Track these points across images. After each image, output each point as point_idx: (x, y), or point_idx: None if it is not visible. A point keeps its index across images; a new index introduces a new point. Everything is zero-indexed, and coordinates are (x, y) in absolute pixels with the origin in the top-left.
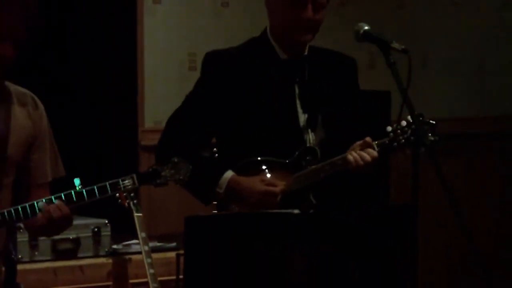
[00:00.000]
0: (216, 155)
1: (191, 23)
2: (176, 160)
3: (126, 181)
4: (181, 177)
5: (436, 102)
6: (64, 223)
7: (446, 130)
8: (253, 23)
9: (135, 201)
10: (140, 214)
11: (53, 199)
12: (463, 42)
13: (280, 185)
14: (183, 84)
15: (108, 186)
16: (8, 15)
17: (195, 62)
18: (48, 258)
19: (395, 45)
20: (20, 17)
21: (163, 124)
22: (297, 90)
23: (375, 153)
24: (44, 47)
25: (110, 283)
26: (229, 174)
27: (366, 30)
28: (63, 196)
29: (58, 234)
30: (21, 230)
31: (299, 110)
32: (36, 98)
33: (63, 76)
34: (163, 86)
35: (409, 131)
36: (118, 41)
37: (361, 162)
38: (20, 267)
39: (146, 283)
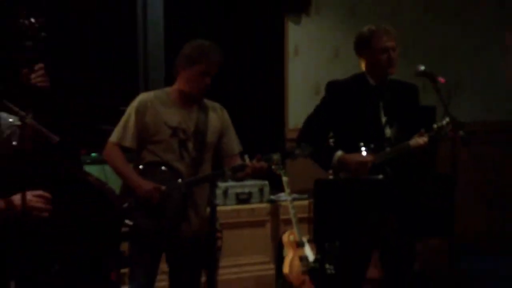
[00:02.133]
0: (332, 143)
1: (323, 57)
2: (303, 144)
3: (275, 155)
4: (305, 154)
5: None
6: (263, 171)
7: None
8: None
9: (283, 171)
10: (287, 178)
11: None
12: None
13: (369, 159)
14: (316, 97)
15: (264, 158)
16: (218, 64)
17: (324, 84)
18: (234, 203)
19: (439, 78)
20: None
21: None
22: (381, 104)
23: (426, 139)
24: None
25: (268, 217)
26: (339, 152)
27: (423, 69)
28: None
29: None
30: (217, 185)
31: (382, 115)
32: (221, 106)
33: (230, 91)
34: (302, 98)
35: (448, 127)
36: (268, 63)
37: (419, 143)
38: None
39: (290, 219)
